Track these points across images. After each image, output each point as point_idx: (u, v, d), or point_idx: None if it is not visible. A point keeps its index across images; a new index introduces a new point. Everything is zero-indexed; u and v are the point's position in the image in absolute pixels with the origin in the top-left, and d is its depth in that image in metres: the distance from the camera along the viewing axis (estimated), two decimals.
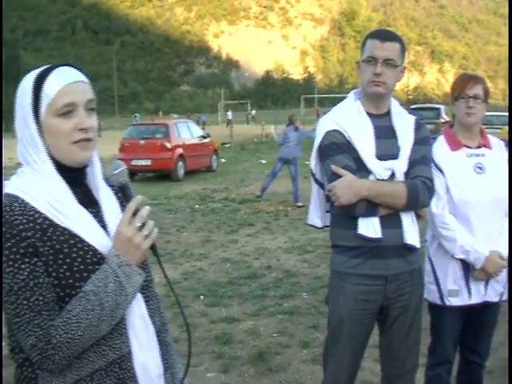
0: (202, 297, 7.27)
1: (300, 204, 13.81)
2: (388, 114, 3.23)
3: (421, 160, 3.15)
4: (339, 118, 3.17)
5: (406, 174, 3.12)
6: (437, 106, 30.31)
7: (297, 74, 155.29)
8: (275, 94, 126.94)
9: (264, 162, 24.28)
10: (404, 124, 3.22)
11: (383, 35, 3.16)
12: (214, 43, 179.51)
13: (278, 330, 6.13)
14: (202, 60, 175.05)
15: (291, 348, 5.67)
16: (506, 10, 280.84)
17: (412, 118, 3.27)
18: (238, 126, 42.03)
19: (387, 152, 3.11)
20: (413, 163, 3.13)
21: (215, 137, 27.57)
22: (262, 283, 7.84)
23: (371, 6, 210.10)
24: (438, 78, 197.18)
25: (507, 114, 29.75)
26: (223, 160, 25.28)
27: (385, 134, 3.15)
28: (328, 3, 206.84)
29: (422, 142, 3.21)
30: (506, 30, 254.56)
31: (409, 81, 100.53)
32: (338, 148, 3.09)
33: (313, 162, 3.29)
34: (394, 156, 3.11)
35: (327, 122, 3.18)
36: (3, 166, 2.83)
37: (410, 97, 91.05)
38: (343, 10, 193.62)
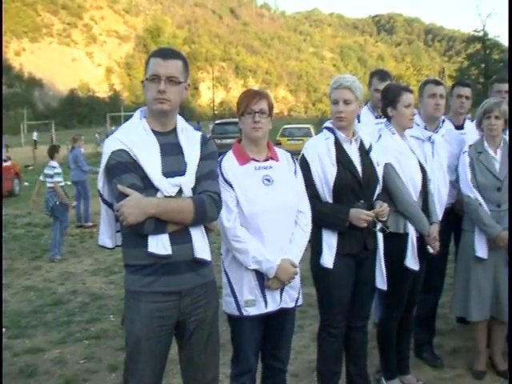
0: (4, 329, 6.90)
1: (90, 224, 13.85)
2: (174, 130, 3.27)
3: (207, 175, 3.24)
4: (125, 137, 3.16)
5: (194, 190, 3.18)
6: None
7: (102, 91, 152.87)
8: (81, 112, 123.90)
9: (70, 183, 23.63)
10: (190, 140, 3.28)
11: (165, 53, 3.21)
12: (15, 61, 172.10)
13: (85, 356, 5.97)
14: (3, 79, 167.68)
15: (99, 373, 5.55)
16: (305, 28, 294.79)
17: (198, 134, 3.35)
18: (42, 147, 40.53)
19: (174, 168, 3.15)
20: (200, 178, 3.21)
21: (19, 159, 26.44)
22: (68, 309, 7.61)
23: (176, 23, 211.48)
24: None
25: (308, 126, 31.22)
26: (26, 183, 24.16)
27: (171, 150, 3.19)
28: (132, 20, 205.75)
29: (208, 157, 3.30)
30: (305, 45, 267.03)
31: (214, 96, 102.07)
32: (124, 167, 3.08)
33: (100, 183, 3.24)
34: (181, 172, 3.16)
35: (113, 142, 3.16)
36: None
37: (216, 112, 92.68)
38: (148, 27, 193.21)
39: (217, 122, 33.25)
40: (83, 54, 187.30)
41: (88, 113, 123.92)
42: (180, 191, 3.15)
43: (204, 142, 3.35)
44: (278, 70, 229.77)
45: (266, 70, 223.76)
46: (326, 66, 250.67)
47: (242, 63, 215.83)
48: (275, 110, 4.19)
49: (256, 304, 3.69)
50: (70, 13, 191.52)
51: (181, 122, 3.34)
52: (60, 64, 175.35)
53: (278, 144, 26.69)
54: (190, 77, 3.37)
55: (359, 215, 4.07)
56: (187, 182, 3.17)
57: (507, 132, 5.38)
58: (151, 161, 3.12)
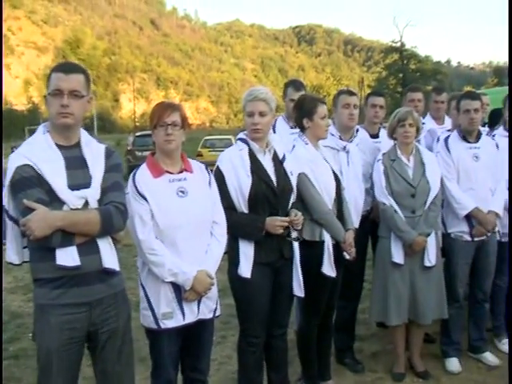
0: None
1: None
2: (78, 144, 3.30)
3: (112, 186, 3.29)
4: (29, 152, 3.17)
5: (100, 201, 3.21)
6: None
7: (20, 104, 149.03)
8: None
9: None
10: (94, 153, 3.32)
11: (67, 68, 3.26)
12: None
13: (3, 377, 5.79)
14: None
15: None
16: (226, 39, 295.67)
17: (102, 147, 3.39)
18: None
19: (79, 181, 3.18)
20: (105, 190, 3.24)
21: None
22: None
23: (96, 34, 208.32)
24: None
25: (229, 137, 31.17)
26: None
27: (76, 164, 3.23)
28: (51, 31, 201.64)
29: (113, 169, 3.36)
30: (226, 56, 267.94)
31: (135, 108, 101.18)
32: (28, 182, 3.08)
33: (5, 198, 3.21)
34: (87, 185, 3.20)
35: (17, 157, 3.16)
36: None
37: (138, 124, 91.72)
38: (67, 38, 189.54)
39: (137, 134, 32.88)
40: None
41: (6, 126, 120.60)
42: (86, 203, 3.19)
43: (108, 154, 3.40)
44: (199, 82, 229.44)
45: (188, 81, 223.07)
46: (248, 77, 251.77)
47: (163, 75, 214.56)
48: (197, 122, 4.22)
49: (173, 316, 3.69)
50: None
51: (84, 136, 3.38)
52: None
53: (200, 155, 26.67)
54: (91, 90, 3.40)
55: (275, 222, 4.13)
56: (93, 194, 3.21)
57: (420, 139, 5.56)
58: (56, 174, 3.15)
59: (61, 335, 3.16)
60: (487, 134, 5.72)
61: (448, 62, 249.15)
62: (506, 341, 5.81)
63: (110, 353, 3.35)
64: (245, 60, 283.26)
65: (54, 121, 3.24)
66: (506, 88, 6.29)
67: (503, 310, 5.84)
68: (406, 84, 56.57)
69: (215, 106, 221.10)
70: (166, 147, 3.70)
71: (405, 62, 74.35)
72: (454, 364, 5.44)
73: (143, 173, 3.73)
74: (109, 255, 3.26)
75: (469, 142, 5.37)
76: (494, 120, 6.99)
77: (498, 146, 5.47)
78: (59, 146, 3.24)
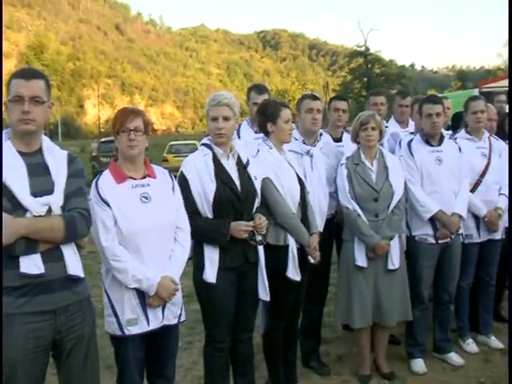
0: None
1: None
2: (40, 150, 3.27)
3: (75, 192, 3.26)
4: None
5: (64, 208, 3.18)
6: None
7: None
8: None
9: None
10: (56, 159, 3.29)
11: (27, 73, 3.22)
12: None
13: None
14: None
15: None
16: (191, 44, 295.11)
17: (64, 153, 3.36)
18: None
19: (42, 188, 3.14)
20: (68, 196, 3.21)
21: None
22: None
23: (60, 39, 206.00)
24: None
25: (194, 142, 31.11)
26: None
27: (38, 170, 3.19)
28: (15, 36, 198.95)
29: (75, 174, 3.33)
30: (191, 61, 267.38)
31: (100, 113, 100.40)
32: None
33: None
34: (50, 191, 3.16)
35: None
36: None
37: (103, 130, 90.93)
38: (31, 44, 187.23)
39: (102, 139, 32.66)
40: None
41: None
42: (50, 210, 3.15)
43: (70, 160, 3.37)
44: (164, 87, 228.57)
45: (153, 86, 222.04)
46: (213, 82, 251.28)
47: (128, 80, 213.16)
48: (162, 127, 4.19)
49: (138, 322, 3.68)
50: None
51: (46, 142, 3.35)
52: None
53: (165, 161, 26.56)
54: (51, 95, 3.38)
55: (239, 227, 4.14)
56: (56, 200, 3.18)
57: (383, 142, 5.60)
58: (18, 182, 3.11)
59: (26, 344, 3.11)
60: (449, 138, 5.78)
61: (412, 65, 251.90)
62: (470, 341, 5.90)
63: (76, 360, 3.31)
64: (210, 65, 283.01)
65: (15, 127, 3.21)
66: (468, 92, 6.39)
67: (467, 311, 5.93)
68: (370, 88, 57.13)
69: (181, 111, 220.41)
70: (129, 153, 3.69)
71: (369, 66, 74.93)
72: (419, 365, 5.49)
73: (106, 179, 3.72)
74: (73, 262, 3.23)
75: (431, 146, 5.42)
76: (456, 123, 7.09)
77: (460, 149, 5.53)
78: (21, 153, 3.20)
